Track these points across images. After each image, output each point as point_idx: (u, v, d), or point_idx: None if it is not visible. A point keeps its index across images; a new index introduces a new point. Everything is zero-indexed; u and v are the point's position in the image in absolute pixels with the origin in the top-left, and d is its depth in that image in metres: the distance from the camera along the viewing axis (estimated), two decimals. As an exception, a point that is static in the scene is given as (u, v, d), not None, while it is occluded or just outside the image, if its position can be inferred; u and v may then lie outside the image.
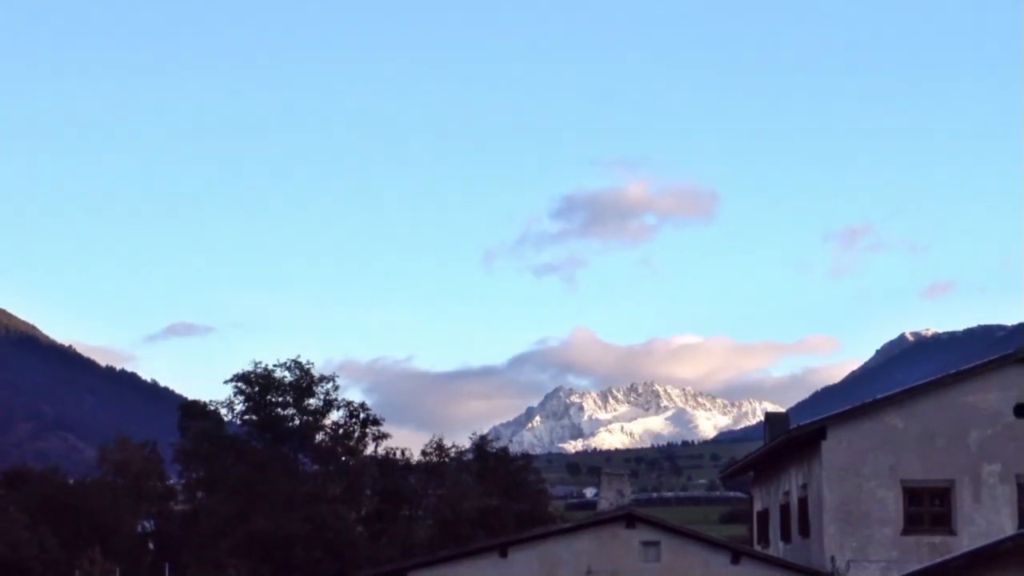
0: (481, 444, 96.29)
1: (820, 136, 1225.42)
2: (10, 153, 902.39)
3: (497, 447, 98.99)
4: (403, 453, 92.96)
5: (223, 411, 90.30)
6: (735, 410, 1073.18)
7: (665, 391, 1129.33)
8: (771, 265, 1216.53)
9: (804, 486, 47.27)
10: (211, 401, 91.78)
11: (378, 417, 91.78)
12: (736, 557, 44.83)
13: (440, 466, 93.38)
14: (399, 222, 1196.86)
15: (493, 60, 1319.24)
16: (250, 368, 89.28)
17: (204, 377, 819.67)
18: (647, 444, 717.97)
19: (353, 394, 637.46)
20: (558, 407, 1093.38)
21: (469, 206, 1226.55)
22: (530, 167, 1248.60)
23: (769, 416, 55.81)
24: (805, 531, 47.23)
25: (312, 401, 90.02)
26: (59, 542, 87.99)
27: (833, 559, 44.45)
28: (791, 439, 46.51)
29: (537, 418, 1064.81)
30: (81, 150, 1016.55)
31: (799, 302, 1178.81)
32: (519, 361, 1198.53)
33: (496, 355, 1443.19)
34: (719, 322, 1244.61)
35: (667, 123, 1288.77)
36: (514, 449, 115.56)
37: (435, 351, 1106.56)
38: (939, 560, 34.37)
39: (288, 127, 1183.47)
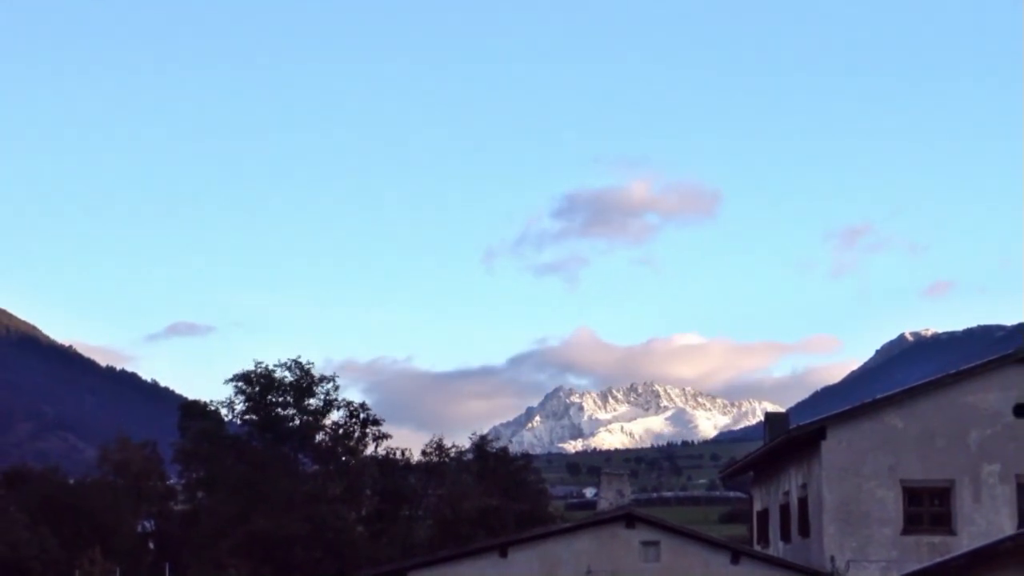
0: (481, 444, 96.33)
1: (821, 136, 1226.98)
2: (10, 153, 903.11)
3: (497, 447, 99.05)
4: (403, 453, 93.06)
5: (223, 411, 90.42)
6: (735, 410, 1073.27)
7: (665, 391, 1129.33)
8: (772, 265, 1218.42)
9: (804, 486, 47.30)
10: (211, 401, 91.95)
11: (378, 417, 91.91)
12: (736, 557, 44.85)
13: (440, 466, 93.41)
14: (399, 222, 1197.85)
15: (493, 60, 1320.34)
16: (251, 368, 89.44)
17: (204, 377, 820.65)
18: (647, 444, 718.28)
19: (353, 394, 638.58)
20: (558, 407, 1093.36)
21: (469, 205, 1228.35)
22: (531, 166, 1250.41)
23: (769, 416, 55.83)
24: (805, 531, 47.26)
25: (312, 401, 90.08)
26: (59, 542, 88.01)
27: (833, 559, 44.47)
28: (791, 439, 46.54)
29: (537, 418, 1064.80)
30: (81, 150, 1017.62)
31: (800, 302, 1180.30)
32: (519, 361, 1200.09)
33: (496, 355, 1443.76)
34: (719, 322, 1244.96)
35: (669, 122, 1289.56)
36: (514, 449, 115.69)
37: (435, 351, 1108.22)
38: (939, 560, 34.36)
39: (288, 127, 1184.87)
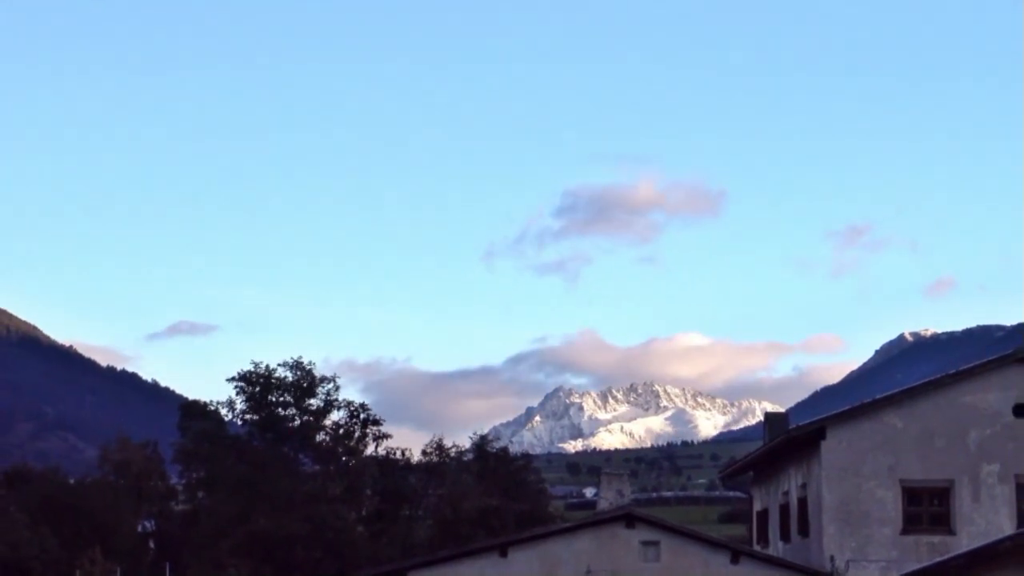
0: (481, 444, 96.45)
1: (823, 135, 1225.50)
2: (10, 153, 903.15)
3: (497, 447, 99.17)
4: (403, 453, 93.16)
5: (224, 411, 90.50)
6: (735, 410, 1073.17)
7: (665, 391, 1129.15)
8: (774, 264, 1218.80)
9: (803, 486, 47.35)
10: (211, 401, 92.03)
11: (378, 417, 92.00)
12: (735, 557, 44.91)
13: (440, 466, 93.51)
14: (399, 221, 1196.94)
15: (494, 58, 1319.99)
16: (251, 368, 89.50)
17: (205, 377, 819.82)
18: (647, 444, 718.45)
19: (352, 393, 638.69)
20: (558, 407, 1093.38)
21: (470, 204, 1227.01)
22: (532, 164, 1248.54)
23: (768, 416, 55.80)
24: (804, 531, 47.30)
25: (313, 401, 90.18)
26: (60, 542, 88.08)
27: (832, 559, 44.52)
28: (790, 439, 46.58)
29: (537, 418, 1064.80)
30: (81, 150, 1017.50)
31: (801, 301, 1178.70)
32: (519, 361, 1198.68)
33: (496, 355, 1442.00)
34: (721, 322, 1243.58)
35: (670, 121, 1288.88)
36: (514, 449, 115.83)
37: (435, 351, 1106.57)
38: (938, 560, 34.42)
39: (288, 127, 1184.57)
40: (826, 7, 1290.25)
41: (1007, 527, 42.81)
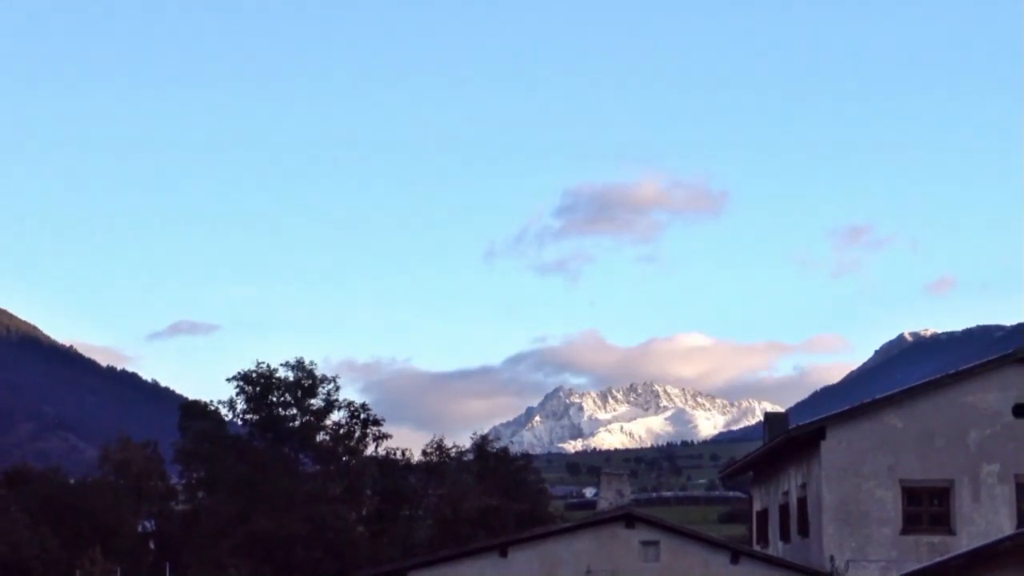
0: (481, 444, 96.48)
1: (823, 136, 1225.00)
2: (11, 153, 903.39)
3: (497, 447, 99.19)
4: (403, 453, 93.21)
5: (224, 411, 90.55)
6: (735, 410, 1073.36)
7: (664, 391, 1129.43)
8: (774, 264, 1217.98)
9: (803, 486, 47.39)
10: (212, 401, 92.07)
11: (379, 417, 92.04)
12: (735, 557, 44.96)
13: (440, 466, 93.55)
14: (400, 221, 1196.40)
15: (495, 57, 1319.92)
16: (251, 368, 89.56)
17: (205, 377, 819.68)
18: (647, 444, 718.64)
19: (352, 393, 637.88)
20: (558, 407, 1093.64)
21: (470, 203, 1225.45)
22: (533, 164, 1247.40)
23: (768, 416, 55.84)
24: (804, 531, 47.34)
25: (313, 401, 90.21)
26: (60, 542, 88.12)
27: (832, 559, 44.56)
28: (790, 439, 46.62)
29: (537, 418, 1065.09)
30: (82, 150, 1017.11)
31: (801, 301, 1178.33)
32: (519, 361, 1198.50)
33: (496, 354, 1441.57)
34: (720, 321, 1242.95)
35: (672, 121, 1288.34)
36: (514, 449, 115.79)
37: (435, 351, 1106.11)
38: (938, 560, 34.48)
39: (289, 127, 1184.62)
40: (827, 8, 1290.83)
41: (1007, 527, 42.85)
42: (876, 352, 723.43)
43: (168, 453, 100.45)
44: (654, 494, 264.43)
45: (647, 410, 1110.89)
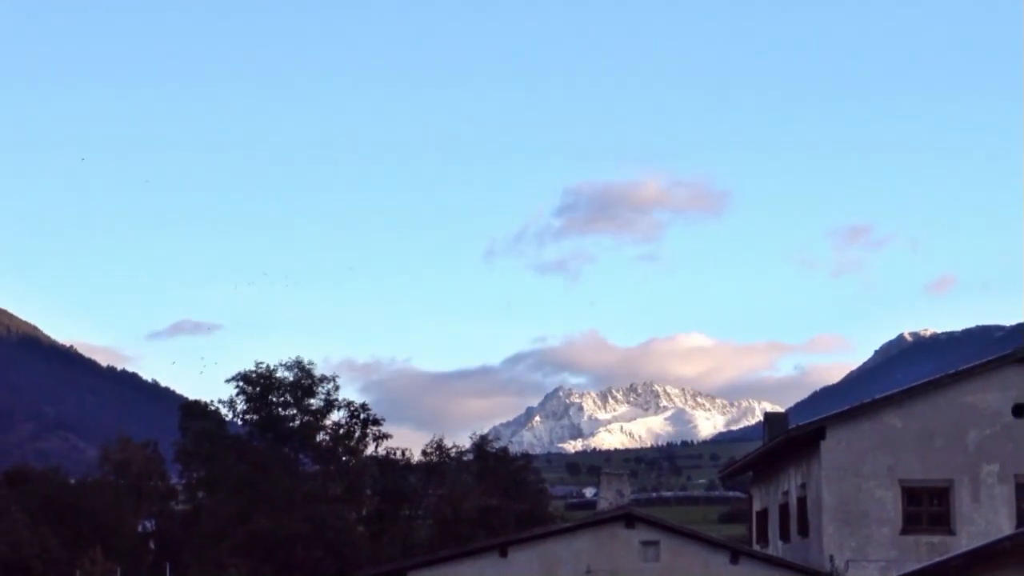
0: (481, 444, 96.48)
1: (827, 135, 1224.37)
2: (11, 153, 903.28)
3: (497, 447, 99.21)
4: (403, 453, 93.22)
5: (224, 411, 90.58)
6: (734, 410, 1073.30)
7: (664, 391, 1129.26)
8: (775, 264, 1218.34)
9: (803, 486, 47.43)
10: (211, 401, 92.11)
11: (379, 417, 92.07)
12: (735, 557, 44.98)
13: (440, 466, 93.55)
14: (400, 220, 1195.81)
15: (496, 55, 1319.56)
16: (251, 368, 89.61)
17: (205, 378, 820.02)
18: (647, 444, 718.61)
19: (351, 393, 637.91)
20: (558, 407, 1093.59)
21: (471, 202, 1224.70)
22: (533, 162, 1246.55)
23: (768, 416, 55.87)
24: (804, 531, 47.38)
25: (313, 401, 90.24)
26: (60, 542, 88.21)
27: (832, 559, 44.59)
28: (790, 439, 46.65)
29: (537, 418, 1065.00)
30: (82, 150, 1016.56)
31: (802, 301, 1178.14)
32: (519, 360, 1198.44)
33: (496, 354, 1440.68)
34: (721, 321, 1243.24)
35: (674, 120, 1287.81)
36: (514, 449, 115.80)
37: (435, 350, 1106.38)
38: (938, 560, 34.47)
39: (289, 126, 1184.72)
40: (830, 9, 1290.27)
41: (1006, 527, 42.88)
42: (876, 352, 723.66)
43: (168, 453, 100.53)
44: (654, 494, 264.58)
45: (647, 410, 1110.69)
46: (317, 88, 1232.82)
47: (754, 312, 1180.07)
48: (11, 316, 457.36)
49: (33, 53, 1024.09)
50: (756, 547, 52.64)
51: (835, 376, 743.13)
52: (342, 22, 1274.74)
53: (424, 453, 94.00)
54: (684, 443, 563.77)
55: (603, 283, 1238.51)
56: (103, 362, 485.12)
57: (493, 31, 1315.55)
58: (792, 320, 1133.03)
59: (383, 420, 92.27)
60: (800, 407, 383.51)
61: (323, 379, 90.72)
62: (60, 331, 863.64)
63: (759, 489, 55.20)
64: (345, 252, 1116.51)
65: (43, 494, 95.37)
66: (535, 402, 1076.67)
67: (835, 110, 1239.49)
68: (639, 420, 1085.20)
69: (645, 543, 44.72)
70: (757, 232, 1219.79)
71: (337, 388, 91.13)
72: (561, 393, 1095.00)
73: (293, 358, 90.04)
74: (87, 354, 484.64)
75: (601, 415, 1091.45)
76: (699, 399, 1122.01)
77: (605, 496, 46.26)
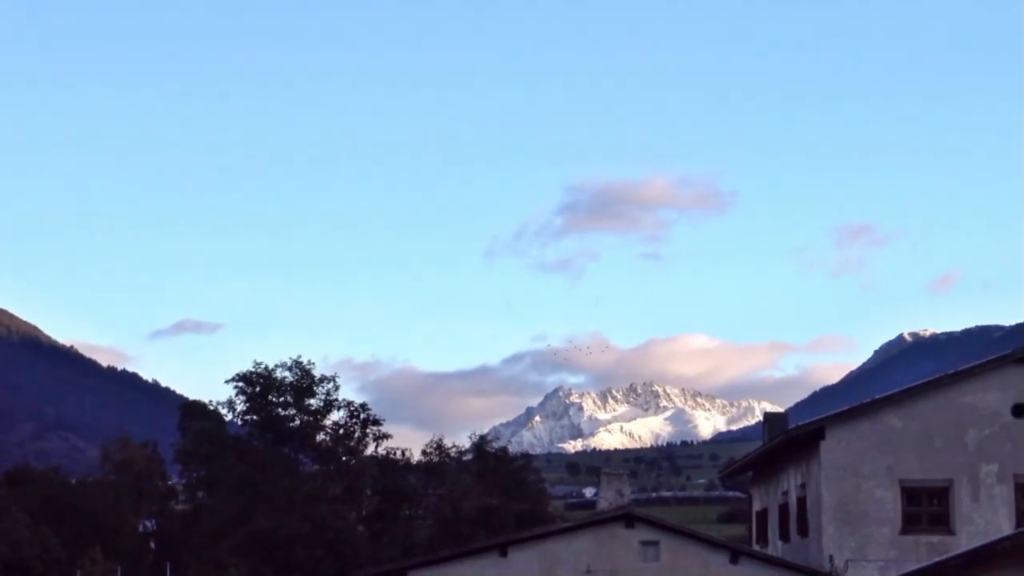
0: (481, 444, 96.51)
1: (829, 134, 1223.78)
2: (11, 153, 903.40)
3: (497, 447, 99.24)
4: (403, 453, 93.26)
5: (224, 411, 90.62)
6: (734, 410, 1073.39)
7: (664, 391, 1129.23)
8: (777, 263, 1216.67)
9: (803, 486, 47.47)
10: (211, 401, 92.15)
11: (378, 417, 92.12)
12: (735, 556, 45.00)
13: (440, 466, 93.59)
14: (400, 218, 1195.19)
15: (497, 54, 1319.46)
16: (251, 368, 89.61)
17: (205, 378, 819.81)
18: (647, 444, 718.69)
19: (351, 393, 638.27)
20: (558, 407, 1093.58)
21: (472, 200, 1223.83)
22: (534, 161, 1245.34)
23: (768, 416, 55.91)
24: (804, 531, 47.42)
25: (313, 401, 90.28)
26: (61, 542, 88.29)
27: (831, 559, 44.63)
28: (790, 439, 46.70)
29: (537, 418, 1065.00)
30: (83, 149, 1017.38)
31: (804, 301, 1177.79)
32: (519, 360, 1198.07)
33: (496, 354, 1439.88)
34: (721, 321, 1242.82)
35: (676, 120, 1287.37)
36: (514, 449, 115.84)
37: (434, 350, 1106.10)
38: (937, 560, 34.51)
39: (290, 126, 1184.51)
40: (835, 9, 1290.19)
41: (1006, 527, 42.92)
42: (876, 352, 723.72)
43: (168, 453, 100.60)
44: (654, 494, 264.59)
45: (647, 410, 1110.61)
46: (317, 88, 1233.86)
47: (756, 312, 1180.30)
48: (11, 316, 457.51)
49: (33, 53, 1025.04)
50: (756, 547, 52.66)
51: (835, 376, 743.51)
52: (342, 22, 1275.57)
53: (424, 453, 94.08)
54: (684, 443, 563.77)
55: (606, 282, 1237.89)
56: (104, 362, 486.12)
57: (493, 31, 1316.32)
58: (794, 320, 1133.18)
59: (383, 420, 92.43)
60: (800, 407, 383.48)
61: (323, 379, 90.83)
62: (60, 331, 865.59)
63: (759, 489, 55.24)
64: (345, 252, 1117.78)
65: (43, 494, 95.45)
66: (535, 402, 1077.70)
67: (838, 110, 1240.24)
68: (639, 420, 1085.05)
69: (645, 543, 44.76)
70: (760, 231, 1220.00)
71: (337, 388, 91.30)
72: (561, 393, 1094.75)
73: (292, 358, 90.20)
74: (88, 354, 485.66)
75: (601, 415, 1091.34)
76: (699, 399, 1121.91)
77: (605, 496, 46.29)
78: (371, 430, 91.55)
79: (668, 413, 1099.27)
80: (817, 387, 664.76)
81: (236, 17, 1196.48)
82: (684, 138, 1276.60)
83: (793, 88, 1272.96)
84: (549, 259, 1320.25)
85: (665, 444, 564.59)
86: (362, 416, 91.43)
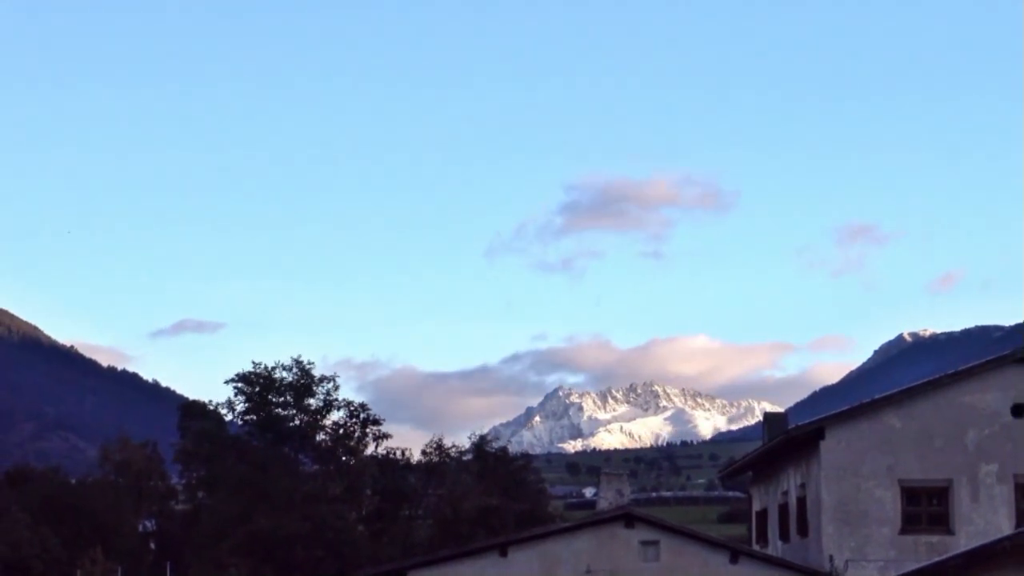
0: (481, 444, 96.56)
1: (830, 134, 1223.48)
2: (11, 153, 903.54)
3: (497, 447, 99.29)
4: (403, 453, 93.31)
5: (224, 411, 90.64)
6: (734, 410, 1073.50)
7: (664, 391, 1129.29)
8: (779, 263, 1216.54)
9: (802, 486, 47.50)
10: (211, 401, 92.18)
11: (378, 417, 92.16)
12: (735, 556, 45.02)
13: (440, 466, 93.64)
14: (400, 218, 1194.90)
15: (498, 52, 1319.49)
16: (251, 368, 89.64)
17: (205, 378, 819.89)
18: (646, 444, 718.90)
19: (350, 392, 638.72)
20: (557, 407, 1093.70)
21: (472, 200, 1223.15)
22: (536, 160, 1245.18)
23: (768, 416, 55.94)
24: (803, 531, 47.45)
25: (312, 401, 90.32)
26: (61, 542, 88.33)
27: (831, 558, 44.65)
28: (790, 439, 46.72)
29: (536, 418, 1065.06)
30: (83, 149, 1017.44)
31: (805, 301, 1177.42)
32: (518, 360, 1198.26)
33: (496, 354, 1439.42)
34: (722, 321, 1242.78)
35: (678, 120, 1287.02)
36: (514, 449, 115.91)
37: (434, 349, 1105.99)
38: (937, 560, 34.54)
39: (290, 125, 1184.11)
40: (836, 9, 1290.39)
41: (1005, 527, 42.94)
42: (876, 352, 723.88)
43: (168, 453, 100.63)
44: (654, 494, 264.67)
45: (647, 410, 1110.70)
46: (317, 88, 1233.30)
47: (756, 312, 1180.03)
48: (12, 316, 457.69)
49: (33, 53, 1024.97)
50: (756, 547, 52.68)
51: (835, 376, 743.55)
52: (342, 22, 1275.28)
53: (424, 453, 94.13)
54: (684, 443, 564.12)
55: (607, 281, 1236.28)
56: (104, 362, 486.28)
57: (493, 31, 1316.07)
58: (794, 320, 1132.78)
59: (383, 420, 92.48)
60: (800, 407, 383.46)
61: (322, 379, 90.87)
62: (61, 331, 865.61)
63: (759, 489, 55.27)
64: (345, 252, 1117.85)
65: (43, 494, 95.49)
66: (535, 402, 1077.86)
67: (839, 110, 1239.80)
68: (639, 420, 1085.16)
69: (645, 543, 44.78)
70: (761, 231, 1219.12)
71: (336, 388, 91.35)
72: (561, 393, 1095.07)
73: (292, 358, 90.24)
74: (88, 354, 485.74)
75: (601, 415, 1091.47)
76: (699, 399, 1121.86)
77: (605, 496, 46.32)
78: (371, 430, 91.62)
79: (668, 413, 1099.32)
80: (817, 387, 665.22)
81: (236, 17, 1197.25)
82: (686, 138, 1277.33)
83: (794, 88, 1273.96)
84: (549, 259, 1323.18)
85: (665, 444, 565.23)
86: (362, 416, 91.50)
